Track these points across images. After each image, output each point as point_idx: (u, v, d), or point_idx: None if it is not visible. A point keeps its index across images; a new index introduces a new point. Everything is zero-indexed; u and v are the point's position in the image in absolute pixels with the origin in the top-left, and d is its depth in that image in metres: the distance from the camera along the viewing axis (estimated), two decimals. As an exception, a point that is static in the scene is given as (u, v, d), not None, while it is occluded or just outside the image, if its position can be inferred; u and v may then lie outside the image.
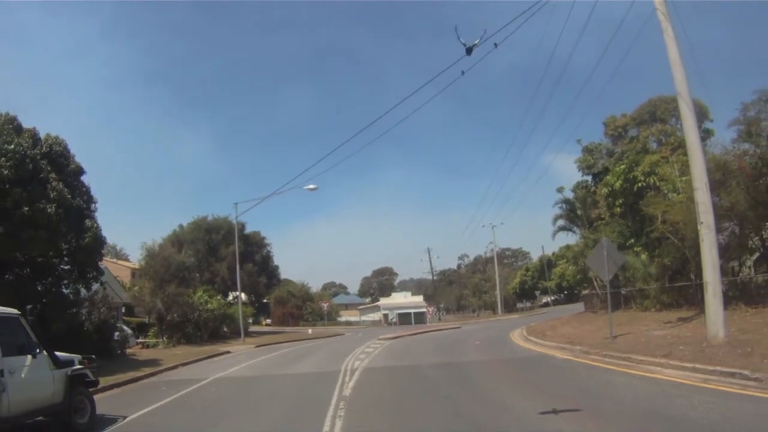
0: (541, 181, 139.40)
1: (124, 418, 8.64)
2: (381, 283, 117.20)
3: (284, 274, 60.37)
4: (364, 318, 75.24)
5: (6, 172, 13.63)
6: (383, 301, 76.04)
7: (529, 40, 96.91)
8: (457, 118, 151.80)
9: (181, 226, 45.65)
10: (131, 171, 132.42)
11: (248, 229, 46.16)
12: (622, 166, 26.67)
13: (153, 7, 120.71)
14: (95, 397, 8.83)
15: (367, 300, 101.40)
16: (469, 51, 10.46)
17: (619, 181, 25.87)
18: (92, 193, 18.06)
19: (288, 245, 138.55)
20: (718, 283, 11.61)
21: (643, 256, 24.43)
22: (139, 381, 14.46)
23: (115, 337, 20.59)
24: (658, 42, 12.76)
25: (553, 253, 69.01)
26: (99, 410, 8.57)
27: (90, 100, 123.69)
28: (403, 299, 73.23)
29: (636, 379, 9.28)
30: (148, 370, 16.09)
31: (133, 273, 44.97)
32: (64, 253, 17.05)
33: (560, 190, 42.96)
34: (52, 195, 14.90)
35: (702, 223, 11.84)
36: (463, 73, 12.61)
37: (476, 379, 10.69)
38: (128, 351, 22.30)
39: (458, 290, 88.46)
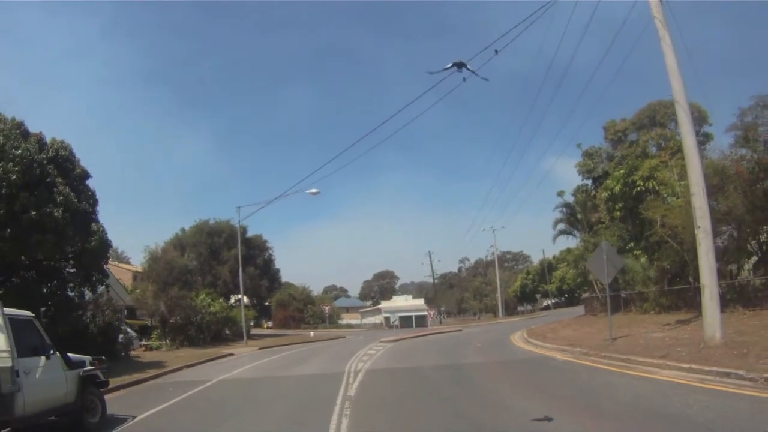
0: (542, 184, 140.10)
1: (134, 417, 8.82)
2: (382, 287, 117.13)
3: (285, 277, 60.86)
4: (365, 321, 75.14)
5: (14, 177, 13.80)
6: (384, 305, 75.88)
7: (529, 45, 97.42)
8: (458, 122, 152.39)
9: (183, 230, 46.20)
10: (131, 171, 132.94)
11: (250, 233, 46.70)
12: (622, 171, 26.83)
13: (153, 7, 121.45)
14: (103, 398, 8.99)
15: (368, 303, 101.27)
16: (460, 67, 11.11)
17: (619, 185, 26.04)
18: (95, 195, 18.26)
19: (289, 248, 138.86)
20: (715, 286, 11.77)
21: (643, 260, 24.58)
22: (145, 382, 14.62)
23: (120, 340, 20.77)
24: (657, 46, 12.90)
25: (554, 257, 68.96)
26: (108, 410, 8.76)
27: (90, 100, 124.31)
28: (404, 302, 73.12)
29: (635, 379, 9.46)
30: (153, 372, 16.26)
31: (135, 276, 45.18)
32: (70, 256, 17.25)
33: (560, 194, 43.17)
34: (58, 199, 15.09)
35: (699, 227, 11.99)
36: (464, 79, 12.92)
37: (477, 381, 10.85)
38: (132, 353, 22.49)
39: (459, 293, 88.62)
